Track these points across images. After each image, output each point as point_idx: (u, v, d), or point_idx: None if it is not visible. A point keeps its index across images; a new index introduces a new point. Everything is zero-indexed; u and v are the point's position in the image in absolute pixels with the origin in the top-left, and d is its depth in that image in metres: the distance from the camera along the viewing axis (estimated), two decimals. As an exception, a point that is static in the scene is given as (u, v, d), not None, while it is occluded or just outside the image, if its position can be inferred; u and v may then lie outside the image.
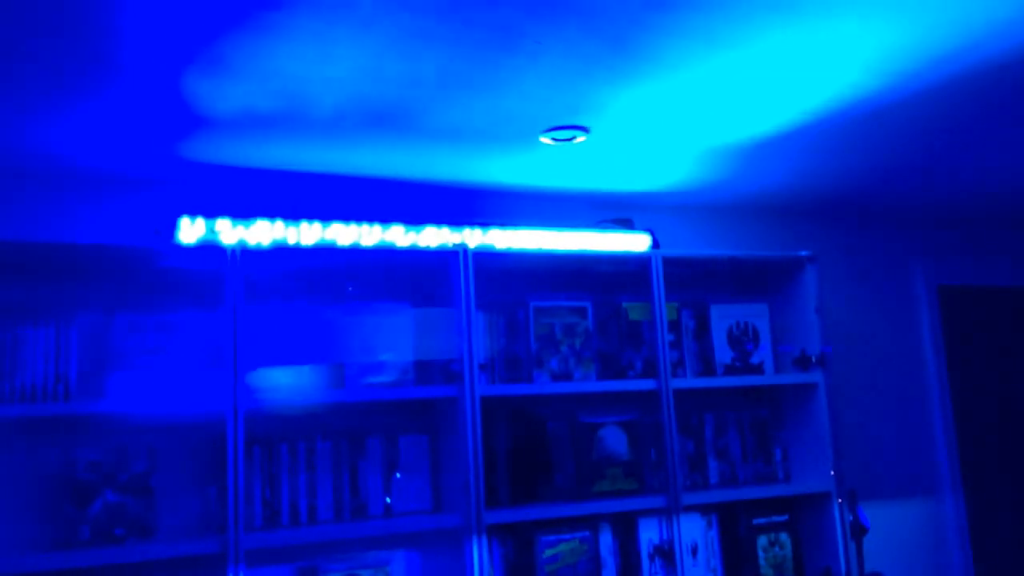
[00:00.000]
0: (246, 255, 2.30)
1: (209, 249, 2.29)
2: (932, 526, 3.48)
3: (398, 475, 2.54)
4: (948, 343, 3.66)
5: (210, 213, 2.40)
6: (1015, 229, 3.92)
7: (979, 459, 3.65)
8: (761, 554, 2.84)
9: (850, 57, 2.04)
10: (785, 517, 2.90)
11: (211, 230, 2.36)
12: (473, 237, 2.65)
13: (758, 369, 2.96)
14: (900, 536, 3.39)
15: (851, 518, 2.78)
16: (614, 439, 2.74)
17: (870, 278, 3.57)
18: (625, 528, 2.70)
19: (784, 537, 2.89)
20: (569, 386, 2.66)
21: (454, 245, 2.53)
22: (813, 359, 2.90)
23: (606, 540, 2.67)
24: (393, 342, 2.57)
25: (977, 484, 3.61)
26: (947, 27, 1.92)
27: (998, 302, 3.86)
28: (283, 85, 1.99)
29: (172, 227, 2.34)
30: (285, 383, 2.43)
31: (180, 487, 2.42)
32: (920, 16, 1.86)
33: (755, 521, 2.85)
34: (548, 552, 2.57)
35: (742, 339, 2.97)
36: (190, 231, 2.34)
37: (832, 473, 2.84)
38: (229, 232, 2.38)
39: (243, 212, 2.46)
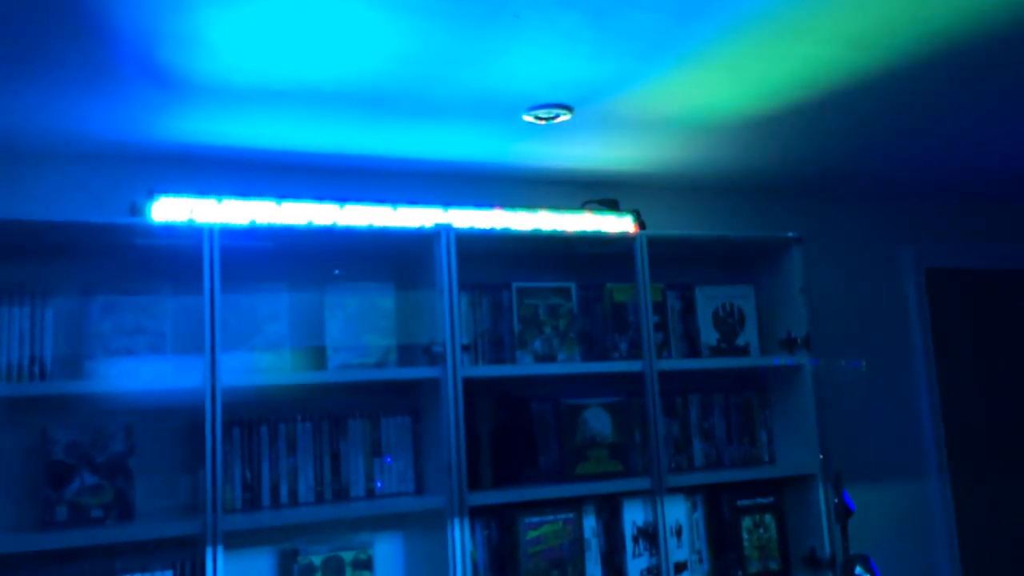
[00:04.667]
0: (224, 234, 2.27)
1: (186, 228, 2.26)
2: (918, 508, 3.48)
3: (388, 460, 2.53)
4: (935, 325, 3.65)
5: (188, 191, 2.36)
6: (1002, 211, 3.91)
7: (965, 441, 3.65)
8: (746, 536, 2.84)
9: (834, 32, 2.02)
10: (770, 499, 2.90)
11: (189, 209, 2.33)
12: (456, 217, 2.63)
13: (744, 351, 2.95)
14: (885, 518, 3.39)
15: (836, 500, 2.78)
16: (598, 421, 2.73)
17: (858, 260, 3.56)
18: (609, 510, 2.69)
19: (769, 519, 2.88)
20: (553, 368, 2.65)
21: (437, 225, 2.51)
22: (799, 340, 2.89)
23: (590, 522, 2.66)
24: (375, 323, 2.54)
25: (963, 466, 3.62)
26: (933, 2, 1.89)
27: (985, 285, 3.85)
28: (259, 61, 1.96)
29: (149, 205, 2.31)
30: (265, 364, 2.41)
31: (159, 469, 2.40)
32: (905, -9, 1.84)
33: (740, 503, 2.84)
34: (531, 534, 2.56)
35: (728, 320, 2.95)
36: (167, 209, 2.31)
37: (820, 456, 2.83)
38: (207, 211, 2.34)
39: (221, 190, 2.43)
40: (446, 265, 2.47)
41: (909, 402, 3.55)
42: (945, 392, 3.62)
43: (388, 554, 2.62)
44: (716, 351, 2.91)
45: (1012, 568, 3.67)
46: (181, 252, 2.37)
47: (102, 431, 2.28)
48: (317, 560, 2.41)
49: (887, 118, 2.65)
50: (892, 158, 3.09)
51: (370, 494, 2.51)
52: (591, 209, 2.85)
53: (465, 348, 2.58)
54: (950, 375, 3.66)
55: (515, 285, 2.68)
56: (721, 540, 2.83)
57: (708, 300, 2.94)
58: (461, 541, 2.36)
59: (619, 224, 2.84)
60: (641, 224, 2.87)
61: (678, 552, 2.75)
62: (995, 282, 3.87)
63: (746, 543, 2.83)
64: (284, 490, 2.42)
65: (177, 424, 2.42)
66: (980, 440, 3.71)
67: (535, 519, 2.56)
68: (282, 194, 2.49)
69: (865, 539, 3.26)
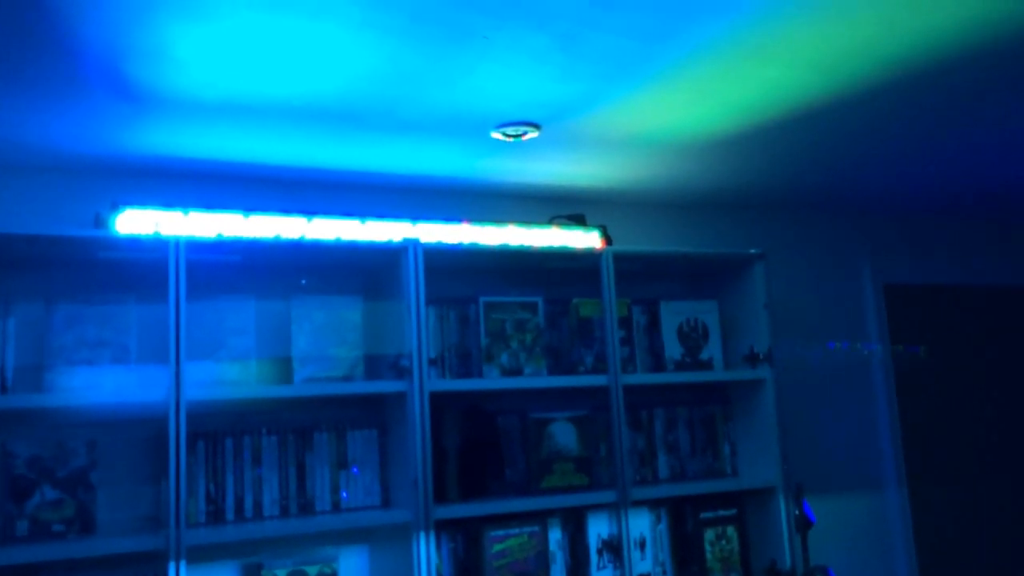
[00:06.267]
0: (190, 247, 2.26)
1: (152, 241, 2.25)
2: (876, 520, 3.55)
3: (355, 470, 2.52)
4: (893, 340, 3.73)
5: (153, 203, 2.35)
6: (958, 229, 4.00)
7: (923, 454, 3.73)
8: (708, 548, 2.87)
9: (795, 57, 2.06)
10: (732, 511, 2.93)
11: (154, 221, 2.32)
12: (424, 231, 2.64)
13: (707, 365, 2.99)
14: (845, 530, 3.45)
15: (797, 512, 2.82)
16: (564, 434, 2.75)
17: (819, 276, 3.62)
18: (574, 523, 2.71)
19: (731, 531, 2.92)
20: (519, 382, 2.66)
21: (405, 239, 2.52)
22: (761, 355, 2.94)
23: (555, 535, 2.68)
24: (342, 336, 2.55)
25: (920, 479, 3.69)
26: (892, 30, 1.95)
27: (942, 300, 3.94)
28: (228, 76, 1.96)
29: (113, 217, 2.30)
30: (230, 376, 2.40)
31: (121, 482, 2.37)
32: (865, 19, 1.88)
33: (702, 515, 2.88)
34: (497, 547, 2.57)
35: (692, 335, 2.99)
36: (132, 222, 2.30)
37: (780, 468, 2.87)
38: (173, 223, 2.33)
39: (188, 203, 2.42)
40: (414, 279, 2.48)
41: (868, 416, 3.62)
42: (903, 405, 3.69)
43: (353, 568, 2.62)
44: (680, 365, 2.95)
45: (967, 578, 3.75)
46: (146, 263, 2.35)
47: (64, 445, 2.26)
48: (281, 574, 2.41)
49: (846, 139, 2.71)
50: (850, 177, 3.16)
51: (336, 508, 2.51)
52: (558, 224, 2.88)
53: (432, 362, 2.59)
54: (908, 388, 3.73)
55: (482, 299, 2.70)
56: (684, 552, 2.86)
57: (673, 315, 2.98)
58: (427, 554, 2.37)
59: (586, 239, 2.86)
60: (608, 240, 2.90)
61: (642, 564, 2.78)
62: (951, 297, 3.96)
63: (709, 555, 2.87)
64: (248, 504, 2.41)
65: (140, 437, 2.40)
66: (937, 453, 3.78)
67: (501, 532, 2.58)
68: (249, 207, 2.49)
69: (825, 550, 3.31)
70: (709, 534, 2.88)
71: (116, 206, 2.31)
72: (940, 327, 3.91)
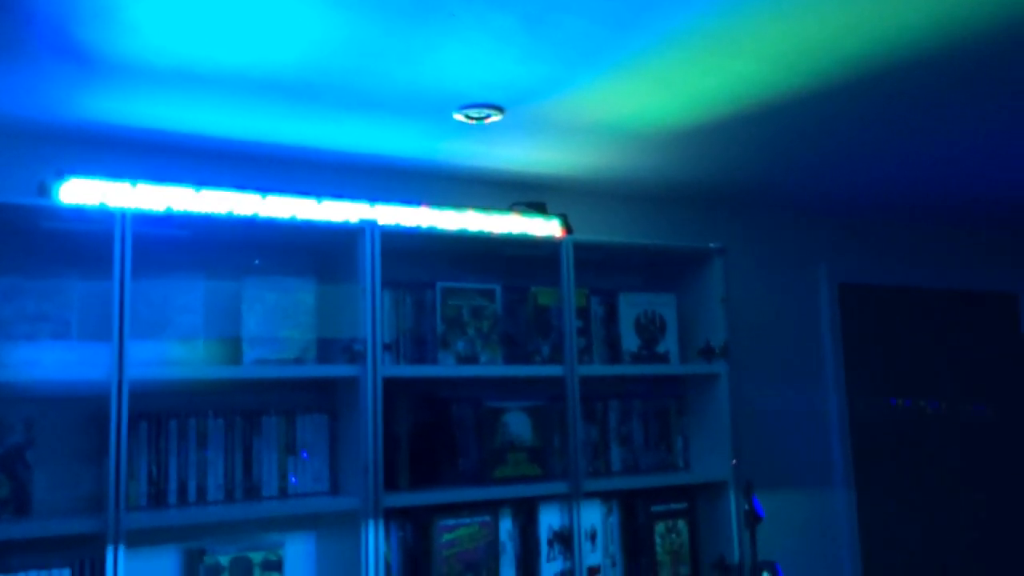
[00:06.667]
0: (137, 220, 2.18)
1: (97, 212, 2.16)
2: (824, 516, 3.58)
3: (304, 455, 2.47)
4: (846, 339, 3.77)
5: (100, 173, 2.27)
6: (912, 232, 4.06)
7: (871, 453, 3.77)
8: (659, 541, 2.87)
9: (758, 51, 2.05)
10: (683, 505, 2.94)
11: (100, 192, 2.23)
12: (382, 213, 2.59)
13: (664, 358, 2.98)
14: (793, 526, 3.48)
15: (746, 507, 2.84)
16: (518, 424, 2.72)
17: (776, 272, 3.64)
18: (525, 513, 2.68)
19: (681, 525, 2.92)
20: (474, 370, 2.63)
21: (362, 221, 2.47)
22: (717, 350, 2.94)
23: (506, 525, 2.65)
24: (294, 318, 2.49)
25: (868, 477, 3.74)
26: (856, 28, 1.95)
27: (894, 301, 3.99)
28: (182, 42, 1.89)
29: (57, 186, 2.21)
30: (176, 356, 2.33)
31: (60, 462, 2.29)
32: (831, 16, 1.88)
33: (653, 508, 2.87)
34: (447, 536, 2.54)
35: (649, 328, 2.98)
36: (77, 191, 2.21)
37: (733, 463, 2.88)
38: (120, 194, 2.25)
39: (136, 174, 2.34)
40: (370, 262, 2.43)
41: (819, 413, 3.65)
42: (853, 404, 3.74)
43: (299, 555, 2.56)
44: (637, 358, 2.94)
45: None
46: (91, 235, 2.27)
47: (0, 421, 2.18)
48: (224, 560, 2.34)
49: (806, 137, 2.72)
50: (809, 176, 3.18)
51: (283, 493, 2.45)
52: (519, 211, 2.85)
53: (386, 347, 2.54)
54: (858, 387, 3.78)
55: (439, 285, 2.66)
56: (635, 545, 2.85)
57: (631, 307, 2.96)
58: (375, 543, 2.33)
59: (546, 227, 2.84)
60: (568, 228, 2.87)
61: (592, 556, 2.76)
62: (903, 299, 4.02)
63: (659, 548, 2.86)
64: (192, 487, 2.34)
65: (80, 416, 2.32)
66: (886, 452, 3.84)
67: (451, 521, 2.54)
68: (201, 181, 2.41)
69: (773, 546, 3.33)
70: (660, 527, 2.88)
71: (61, 174, 2.22)
72: (892, 327, 3.96)
